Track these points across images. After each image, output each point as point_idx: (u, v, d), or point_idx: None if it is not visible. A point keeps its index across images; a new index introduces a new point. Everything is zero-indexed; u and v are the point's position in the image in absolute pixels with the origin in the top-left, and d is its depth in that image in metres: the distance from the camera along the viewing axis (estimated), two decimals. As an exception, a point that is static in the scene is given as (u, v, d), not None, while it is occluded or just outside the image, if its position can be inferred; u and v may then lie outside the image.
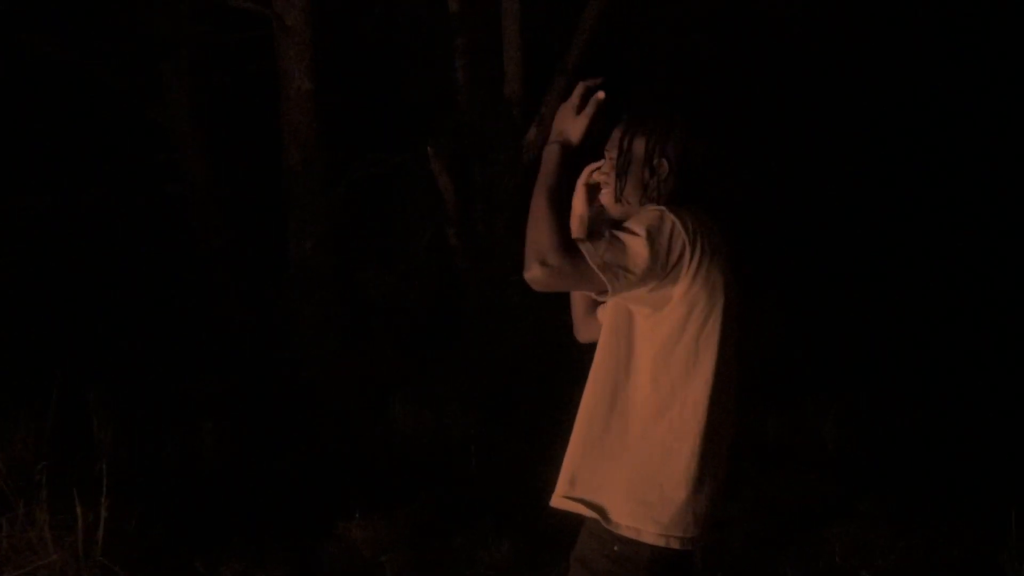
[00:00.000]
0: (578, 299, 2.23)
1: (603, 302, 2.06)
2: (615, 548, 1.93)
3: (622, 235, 1.92)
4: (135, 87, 7.83)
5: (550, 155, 2.01)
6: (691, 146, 2.06)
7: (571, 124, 2.04)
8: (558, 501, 2.01)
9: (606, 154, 2.14)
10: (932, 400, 5.36)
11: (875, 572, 3.79)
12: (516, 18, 7.30)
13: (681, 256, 1.93)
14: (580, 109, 2.03)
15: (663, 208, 1.97)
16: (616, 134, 2.12)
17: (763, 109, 7.28)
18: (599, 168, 2.15)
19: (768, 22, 7.38)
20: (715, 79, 7.18)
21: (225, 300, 7.31)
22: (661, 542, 1.92)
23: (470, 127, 7.33)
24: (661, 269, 1.92)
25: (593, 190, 2.18)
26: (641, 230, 1.92)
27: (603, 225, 2.08)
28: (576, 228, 2.16)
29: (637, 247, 1.90)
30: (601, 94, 2.05)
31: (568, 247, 1.90)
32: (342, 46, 7.39)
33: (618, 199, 2.08)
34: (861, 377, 5.83)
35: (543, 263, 1.89)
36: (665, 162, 2.06)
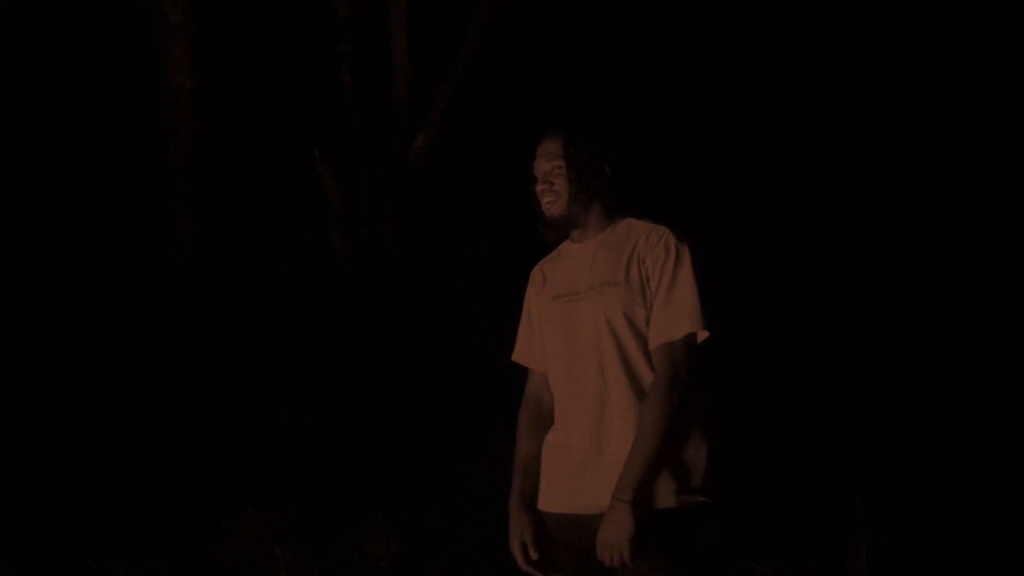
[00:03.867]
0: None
1: None
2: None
3: (682, 285, 2.20)
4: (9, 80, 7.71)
5: None
6: (623, 147, 2.32)
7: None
8: (675, 501, 2.16)
9: (540, 166, 2.31)
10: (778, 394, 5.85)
11: (740, 555, 4.23)
12: (404, 24, 7.60)
13: None
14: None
15: (666, 229, 2.26)
16: (554, 144, 2.30)
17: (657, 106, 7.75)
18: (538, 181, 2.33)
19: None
20: (609, 82, 7.64)
21: (103, 299, 7.29)
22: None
23: (357, 131, 7.58)
24: None
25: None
26: (685, 272, 2.20)
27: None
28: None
29: (693, 286, 2.20)
30: None
31: (676, 378, 2.16)
32: (227, 45, 7.51)
33: (571, 204, 2.28)
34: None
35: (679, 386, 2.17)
36: (607, 165, 2.30)
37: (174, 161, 7.16)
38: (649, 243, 2.23)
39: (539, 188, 2.31)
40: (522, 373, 2.39)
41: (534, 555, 2.24)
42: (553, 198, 2.28)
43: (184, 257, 7.12)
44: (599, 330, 2.21)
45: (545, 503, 2.25)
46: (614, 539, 2.07)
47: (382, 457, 4.91)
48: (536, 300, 2.37)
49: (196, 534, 4.20)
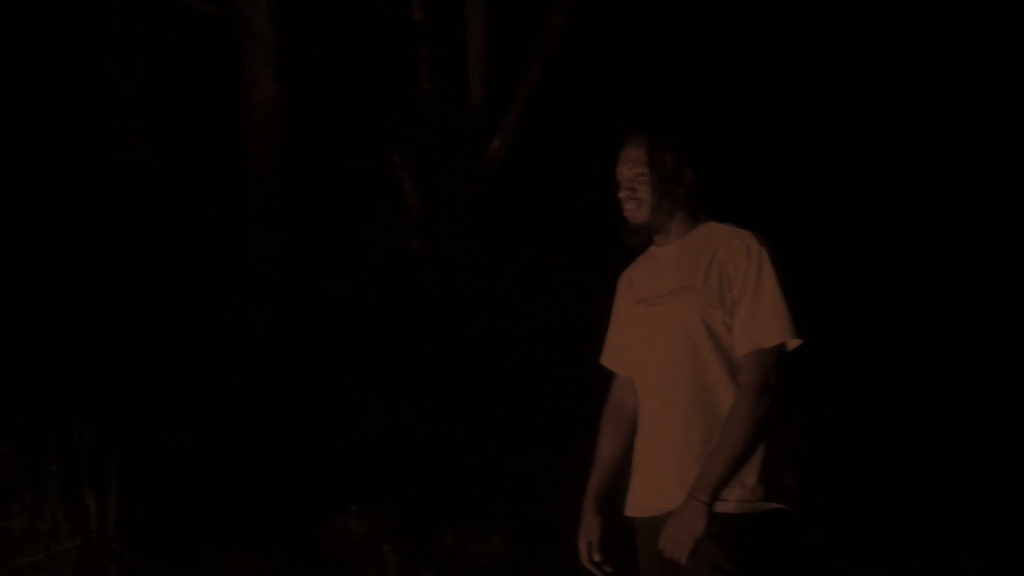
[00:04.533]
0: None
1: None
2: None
3: (767, 291, 2.17)
4: (88, 87, 7.98)
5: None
6: (708, 152, 2.31)
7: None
8: (743, 506, 2.14)
9: (623, 173, 2.29)
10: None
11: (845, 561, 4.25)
12: (480, 29, 7.74)
13: None
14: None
15: (748, 234, 2.23)
16: (636, 151, 2.28)
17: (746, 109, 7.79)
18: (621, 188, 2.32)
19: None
20: (687, 85, 7.70)
21: (193, 304, 7.51)
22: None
23: (434, 136, 7.73)
24: None
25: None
26: (768, 277, 2.18)
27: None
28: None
29: (779, 292, 2.18)
30: None
31: (766, 386, 2.14)
32: (308, 52, 7.69)
33: (654, 211, 2.27)
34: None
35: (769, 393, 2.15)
36: (691, 171, 2.28)
37: (258, 166, 7.36)
38: (730, 248, 2.22)
39: (622, 195, 2.29)
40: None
41: (596, 557, 2.26)
42: (636, 205, 2.27)
43: (268, 259, 7.31)
44: (678, 335, 2.21)
45: (629, 508, 2.28)
46: (681, 536, 2.08)
47: (480, 456, 5.03)
48: (622, 304, 2.38)
49: (307, 529, 4.35)
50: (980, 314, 6.99)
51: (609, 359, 2.41)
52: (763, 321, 2.17)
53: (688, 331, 2.20)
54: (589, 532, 2.29)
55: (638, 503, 2.26)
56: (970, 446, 5.46)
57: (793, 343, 2.19)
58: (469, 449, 5.16)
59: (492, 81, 7.75)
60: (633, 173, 2.28)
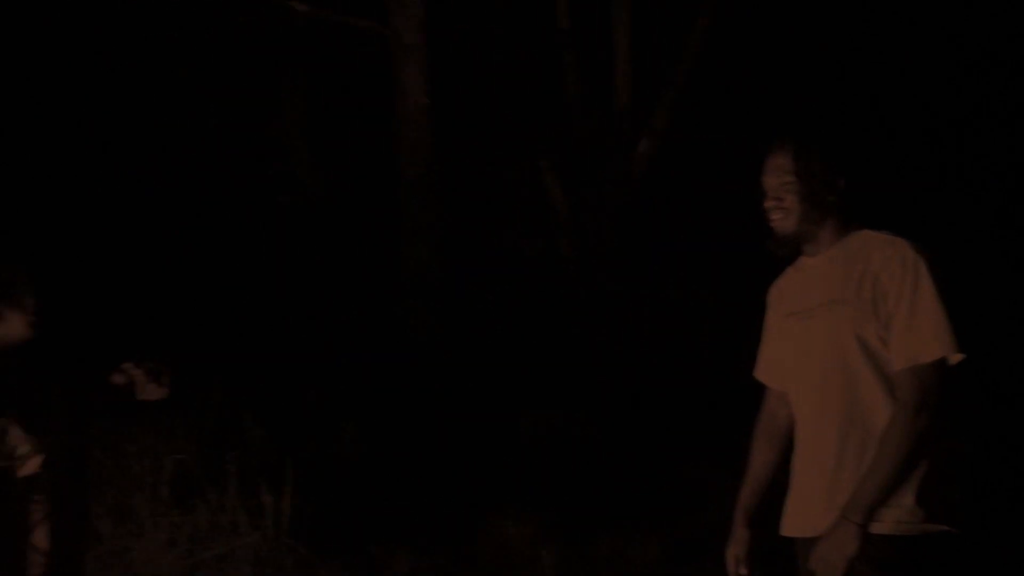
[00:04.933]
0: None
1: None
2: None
3: (925, 303, 2.08)
4: (252, 102, 8.41)
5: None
6: (858, 158, 2.25)
7: None
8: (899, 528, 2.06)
9: (769, 182, 2.22)
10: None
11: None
12: (626, 31, 7.74)
13: None
14: None
15: (903, 243, 2.14)
16: (783, 159, 2.20)
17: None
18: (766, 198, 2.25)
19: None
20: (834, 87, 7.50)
21: (346, 307, 7.82)
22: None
23: (581, 140, 7.78)
24: None
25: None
26: (925, 288, 2.09)
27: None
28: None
29: (938, 305, 2.09)
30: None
31: (924, 404, 2.06)
32: (456, 61, 7.88)
33: (802, 221, 2.19)
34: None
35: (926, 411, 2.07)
36: (842, 179, 2.20)
37: (409, 174, 7.58)
38: (884, 258, 2.12)
39: (768, 204, 2.21)
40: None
41: (743, 571, 2.26)
42: (783, 215, 2.19)
43: (419, 265, 7.53)
44: (829, 349, 2.14)
45: (784, 527, 2.23)
46: (832, 557, 2.02)
47: (638, 464, 5.05)
48: (773, 317, 2.33)
49: (466, 532, 4.48)
50: None
51: (762, 373, 2.37)
52: (921, 335, 2.07)
53: (840, 346, 2.12)
54: (737, 545, 2.28)
55: (792, 522, 2.22)
56: None
57: (955, 358, 2.09)
58: (627, 456, 5.18)
59: (639, 83, 7.74)
60: (779, 182, 2.20)
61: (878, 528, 2.04)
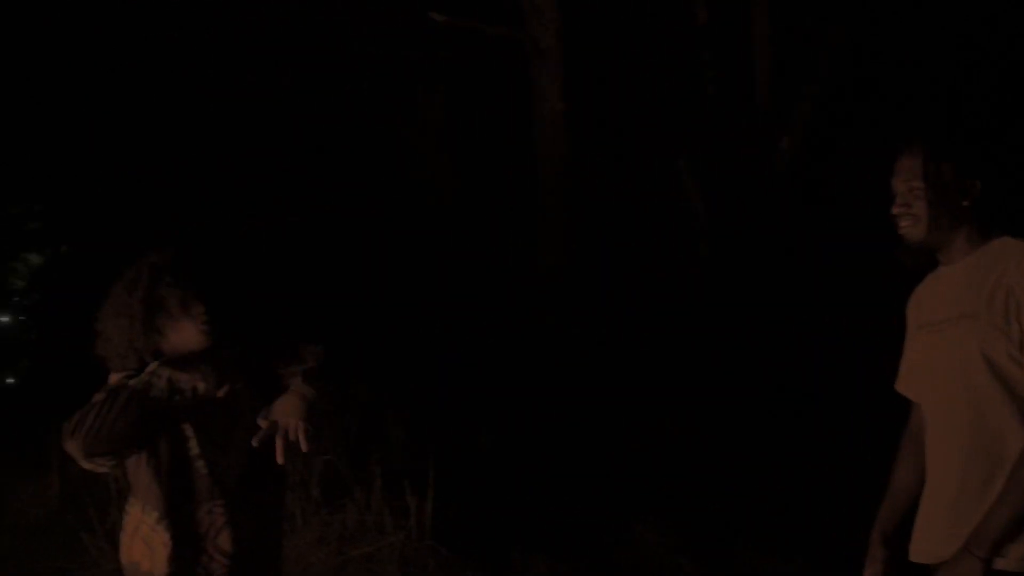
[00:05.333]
0: None
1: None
2: None
3: None
4: (390, 110, 8.66)
5: None
6: (997, 160, 2.06)
7: None
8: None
9: (898, 186, 2.08)
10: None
11: None
12: (765, 25, 7.56)
13: None
14: None
15: None
16: (913, 161, 2.06)
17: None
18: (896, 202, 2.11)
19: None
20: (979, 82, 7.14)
21: (486, 311, 7.96)
22: None
23: (720, 139, 7.65)
24: None
25: None
26: None
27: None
28: None
29: None
30: None
31: None
32: (592, 64, 7.89)
33: (932, 229, 2.05)
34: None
35: None
36: (978, 182, 2.04)
37: (546, 178, 7.64)
38: (1021, 269, 1.95)
39: (896, 210, 2.07)
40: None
41: None
42: (911, 222, 2.05)
43: (556, 268, 7.58)
44: (954, 368, 2.00)
45: (911, 552, 2.12)
46: None
47: (780, 475, 4.94)
48: (910, 327, 2.18)
49: (605, 538, 4.50)
50: None
51: (902, 385, 2.24)
52: None
53: (966, 365, 1.98)
54: (872, 564, 2.19)
55: (917, 548, 2.10)
56: None
57: None
58: (770, 467, 5.08)
59: (779, 78, 7.55)
60: (908, 187, 2.06)
61: (1003, 564, 1.92)
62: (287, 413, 2.10)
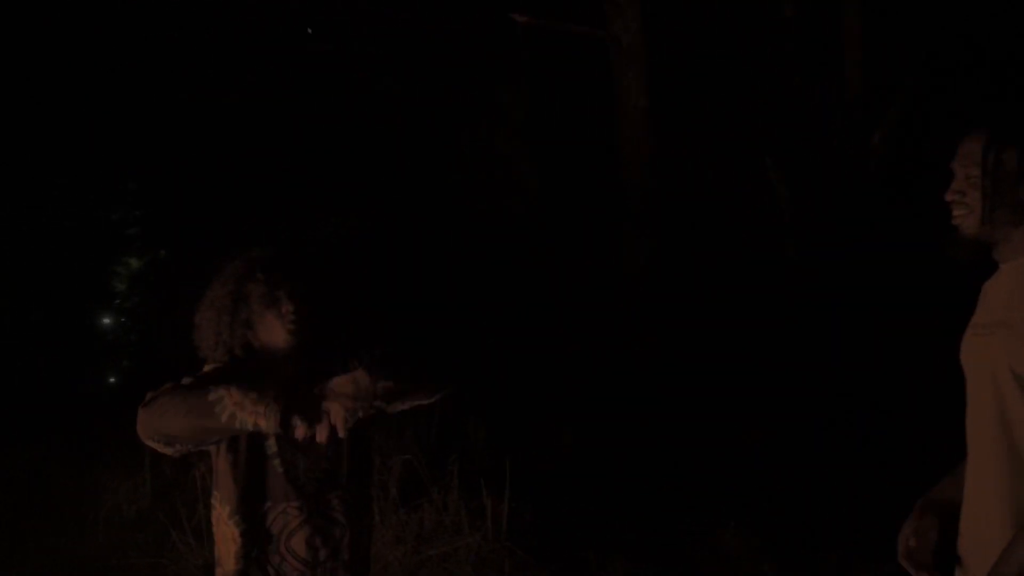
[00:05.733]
0: None
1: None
2: None
3: None
4: (474, 112, 8.71)
5: None
6: None
7: None
8: None
9: (956, 171, 1.92)
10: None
11: None
12: (857, 15, 7.33)
13: None
14: None
15: None
16: (973, 146, 1.89)
17: None
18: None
19: None
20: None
21: (563, 309, 7.94)
22: None
23: (808, 135, 7.46)
24: None
25: None
26: None
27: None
28: None
29: None
30: None
31: None
32: (675, 60, 7.79)
33: (985, 221, 1.86)
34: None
35: None
36: None
37: (629, 176, 7.58)
38: None
39: (949, 197, 1.90)
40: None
41: (912, 542, 1.97)
42: (964, 212, 1.87)
43: (640, 267, 7.50)
44: (985, 379, 1.83)
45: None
46: None
47: (865, 480, 4.78)
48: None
49: (685, 542, 4.42)
50: None
51: None
52: None
53: (995, 380, 1.81)
54: (909, 527, 2.00)
55: (966, 562, 1.94)
56: None
57: None
58: (856, 472, 4.92)
59: (871, 71, 7.31)
60: (964, 173, 1.88)
61: None
62: (334, 394, 2.05)
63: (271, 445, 2.17)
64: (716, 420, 5.59)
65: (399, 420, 4.74)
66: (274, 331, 2.18)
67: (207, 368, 2.20)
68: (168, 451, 2.14)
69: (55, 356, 8.65)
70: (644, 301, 7.39)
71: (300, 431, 2.00)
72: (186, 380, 2.13)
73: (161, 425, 2.06)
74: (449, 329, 6.84)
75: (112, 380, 9.45)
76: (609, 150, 7.76)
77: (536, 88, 8.59)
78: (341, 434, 2.04)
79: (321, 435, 2.01)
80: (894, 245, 6.67)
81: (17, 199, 8.96)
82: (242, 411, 2.01)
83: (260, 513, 2.15)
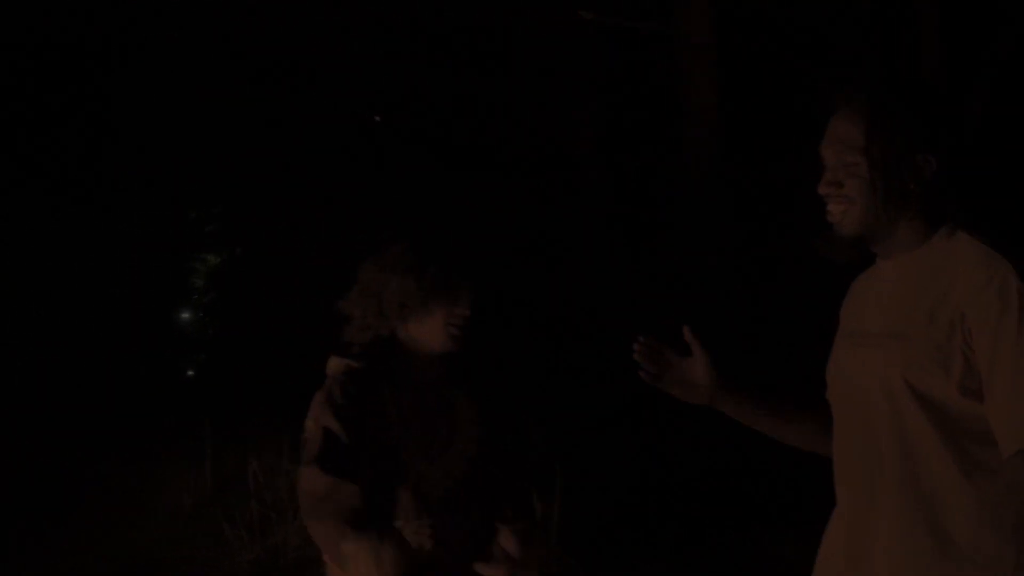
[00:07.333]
0: None
1: None
2: None
3: None
4: (542, 116, 8.61)
5: None
6: (958, 129, 1.58)
7: None
8: None
9: (828, 157, 1.63)
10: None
11: None
12: (934, 9, 7.02)
13: None
14: None
15: (1005, 266, 1.49)
16: (848, 128, 1.57)
17: None
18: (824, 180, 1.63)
19: None
20: None
21: (630, 309, 7.80)
22: None
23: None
24: None
25: None
26: None
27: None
28: None
29: None
30: None
31: None
32: (743, 56, 7.59)
33: (871, 218, 1.57)
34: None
35: None
36: (932, 158, 1.53)
37: (696, 174, 7.39)
38: (973, 285, 1.47)
39: (824, 190, 1.62)
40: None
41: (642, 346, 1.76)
42: (843, 206, 1.59)
43: (705, 266, 7.32)
44: (876, 397, 1.53)
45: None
46: None
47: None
48: (840, 329, 1.74)
49: (740, 550, 4.26)
50: None
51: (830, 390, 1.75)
52: None
53: (892, 397, 1.52)
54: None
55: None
56: None
57: None
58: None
59: (950, 61, 6.98)
60: (840, 160, 1.58)
61: None
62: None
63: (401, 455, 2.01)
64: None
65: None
66: (431, 330, 2.00)
67: (333, 363, 2.01)
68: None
69: (136, 350, 8.86)
70: (709, 300, 7.20)
71: None
72: (319, 401, 1.95)
73: (303, 508, 1.97)
74: (508, 331, 6.77)
75: (189, 373, 9.63)
76: (674, 149, 7.59)
77: (604, 85, 8.46)
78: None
79: None
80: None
81: (102, 199, 9.22)
82: None
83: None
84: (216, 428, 5.60)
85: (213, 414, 5.80)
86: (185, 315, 10.13)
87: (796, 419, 1.77)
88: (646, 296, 7.58)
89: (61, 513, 5.15)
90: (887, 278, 1.64)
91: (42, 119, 9.04)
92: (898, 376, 1.52)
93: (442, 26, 8.40)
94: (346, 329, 2.08)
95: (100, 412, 7.13)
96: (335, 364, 2.05)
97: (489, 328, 2.06)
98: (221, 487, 5.27)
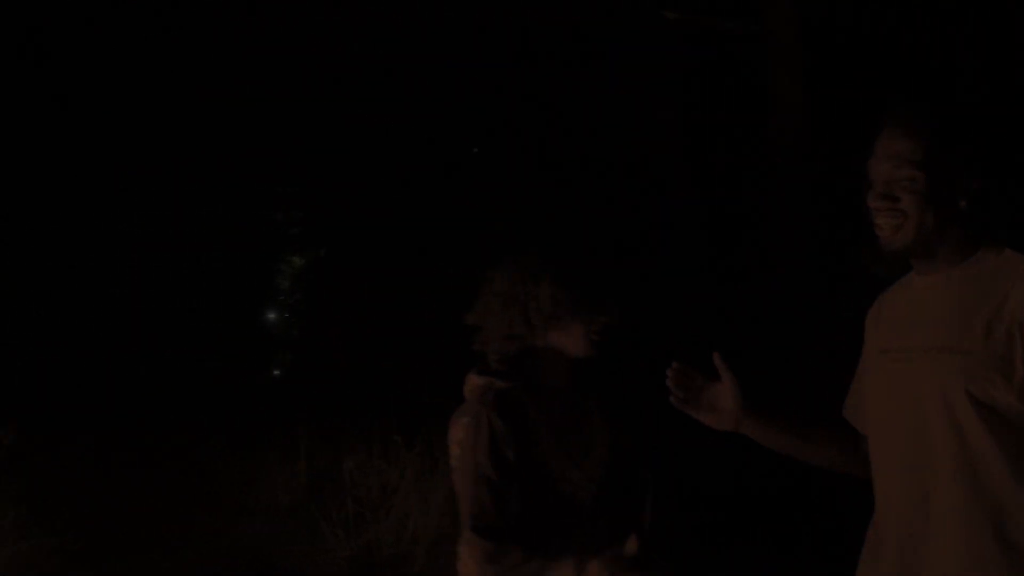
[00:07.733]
0: None
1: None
2: None
3: None
4: (626, 114, 8.59)
5: None
6: (1005, 155, 1.65)
7: None
8: None
9: (880, 171, 1.65)
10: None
11: None
12: (1028, 7, 6.82)
13: None
14: None
15: None
16: (908, 144, 1.60)
17: None
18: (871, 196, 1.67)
19: None
20: None
21: (708, 307, 7.72)
22: None
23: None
24: None
25: None
26: None
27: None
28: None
29: None
30: None
31: None
32: (830, 56, 7.47)
33: (922, 232, 1.60)
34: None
35: None
36: (979, 180, 1.60)
37: (782, 175, 7.30)
38: None
39: (875, 204, 1.63)
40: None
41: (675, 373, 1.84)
42: (897, 221, 1.60)
43: (791, 267, 7.22)
44: (931, 410, 1.57)
45: None
46: None
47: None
48: (868, 345, 1.76)
49: (822, 556, 4.19)
50: None
51: (849, 412, 1.83)
52: None
53: (950, 409, 1.54)
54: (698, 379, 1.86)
55: None
56: None
57: None
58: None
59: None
60: (895, 175, 1.60)
61: None
62: None
63: (545, 455, 2.00)
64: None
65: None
66: (573, 337, 1.99)
67: (473, 381, 2.00)
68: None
69: (224, 350, 9.10)
70: (795, 301, 7.10)
71: None
72: (468, 429, 1.92)
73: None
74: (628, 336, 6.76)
75: (276, 373, 9.85)
76: (759, 149, 7.50)
77: (687, 85, 8.41)
78: None
79: None
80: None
81: (191, 203, 9.48)
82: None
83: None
84: (308, 428, 5.72)
85: (306, 414, 5.93)
86: (271, 315, 10.38)
87: (823, 442, 1.84)
88: (732, 297, 7.52)
89: (163, 512, 5.31)
90: (932, 294, 1.66)
91: (152, 124, 9.28)
92: (959, 388, 1.54)
93: (530, 29, 8.44)
94: (480, 340, 2.03)
95: (198, 412, 7.34)
96: (478, 383, 2.01)
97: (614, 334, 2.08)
98: (315, 486, 5.38)
